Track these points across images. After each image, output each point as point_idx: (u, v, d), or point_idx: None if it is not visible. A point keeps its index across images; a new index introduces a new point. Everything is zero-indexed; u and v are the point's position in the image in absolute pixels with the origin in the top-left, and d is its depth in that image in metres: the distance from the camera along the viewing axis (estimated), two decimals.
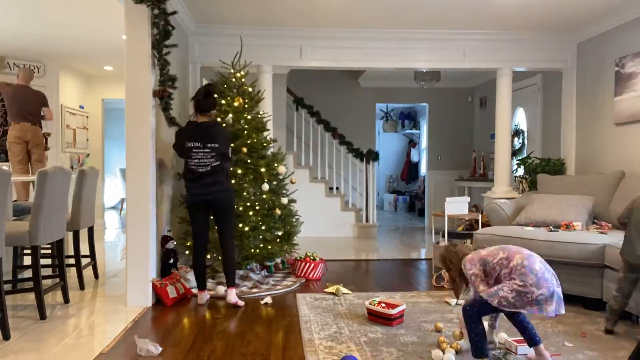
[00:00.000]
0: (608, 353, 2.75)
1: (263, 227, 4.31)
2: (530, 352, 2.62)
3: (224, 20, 5.02)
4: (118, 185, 10.83)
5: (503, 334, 2.88)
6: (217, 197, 3.66)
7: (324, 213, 7.05)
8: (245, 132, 4.40)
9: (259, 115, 4.60)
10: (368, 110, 8.65)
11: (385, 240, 6.90)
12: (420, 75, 7.21)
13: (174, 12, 3.81)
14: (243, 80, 4.60)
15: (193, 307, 3.66)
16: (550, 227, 4.04)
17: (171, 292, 3.72)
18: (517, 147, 6.88)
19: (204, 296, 3.75)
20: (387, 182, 11.95)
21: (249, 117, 4.46)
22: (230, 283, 3.72)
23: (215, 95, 3.82)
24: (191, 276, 4.05)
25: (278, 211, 4.43)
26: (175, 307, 3.64)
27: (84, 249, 4.39)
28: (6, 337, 2.94)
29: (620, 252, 3.07)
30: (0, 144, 6.47)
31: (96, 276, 4.53)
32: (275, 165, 4.52)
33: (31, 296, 3.73)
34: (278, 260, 4.76)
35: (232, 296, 3.68)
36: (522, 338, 2.82)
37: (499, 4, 4.52)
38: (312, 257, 4.57)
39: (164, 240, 3.99)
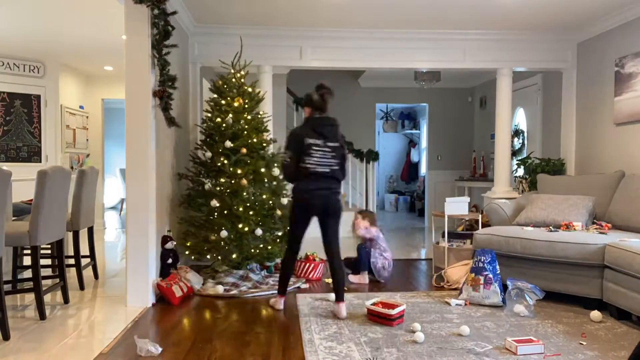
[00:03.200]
0: (608, 353, 2.75)
1: (263, 228, 4.31)
2: None
3: (224, 20, 5.02)
4: (119, 185, 10.83)
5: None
6: (331, 202, 3.40)
7: None
8: (245, 132, 4.40)
9: (259, 116, 4.60)
10: (368, 110, 8.65)
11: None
12: (420, 75, 7.21)
13: (174, 12, 3.81)
14: (243, 80, 4.60)
15: (193, 307, 3.66)
16: (550, 227, 4.04)
17: (177, 291, 3.74)
18: (517, 147, 6.88)
19: (281, 302, 3.59)
20: (387, 182, 11.94)
21: (249, 117, 4.46)
22: (342, 297, 3.42)
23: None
24: (191, 276, 4.05)
25: (278, 212, 4.43)
26: (176, 308, 3.64)
27: (84, 249, 4.39)
28: (6, 337, 2.94)
29: None
30: (0, 145, 6.48)
31: (96, 276, 4.53)
32: (275, 165, 4.52)
33: (31, 296, 3.73)
34: (278, 260, 4.75)
35: (344, 310, 3.38)
36: (522, 338, 2.83)
37: (499, 4, 4.52)
38: (313, 258, 4.58)
39: (164, 240, 3.99)
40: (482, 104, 8.24)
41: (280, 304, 3.60)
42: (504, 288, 3.69)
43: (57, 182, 3.48)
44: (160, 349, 2.74)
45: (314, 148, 3.35)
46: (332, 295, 3.73)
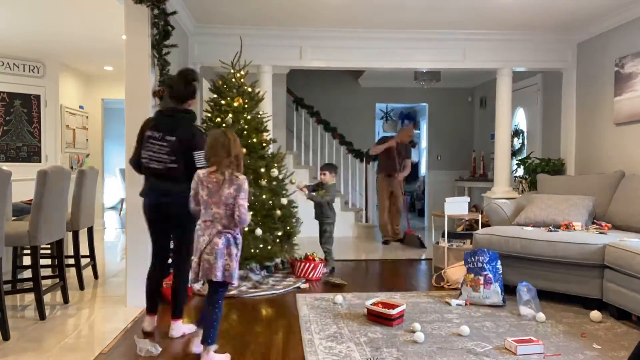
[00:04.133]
0: (608, 353, 2.75)
1: (263, 228, 4.31)
2: None
3: (223, 20, 5.01)
4: (119, 185, 10.82)
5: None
6: (165, 205, 3.00)
7: None
8: (245, 132, 4.40)
9: (259, 116, 4.60)
10: (368, 110, 8.65)
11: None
12: (420, 75, 7.21)
13: (174, 12, 3.81)
14: (243, 80, 4.60)
15: (193, 308, 3.66)
16: (550, 227, 4.04)
17: None
18: (517, 147, 6.88)
19: (151, 322, 3.13)
20: None
21: (248, 117, 4.46)
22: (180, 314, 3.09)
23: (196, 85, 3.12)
24: (193, 276, 4.05)
25: (278, 212, 4.43)
26: None
27: (84, 249, 4.39)
28: (6, 337, 2.94)
29: None
30: (0, 145, 6.47)
31: (96, 276, 4.53)
32: (275, 165, 4.52)
33: (31, 296, 3.73)
34: (278, 260, 4.75)
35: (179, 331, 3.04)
36: (521, 338, 2.83)
37: (499, 4, 4.52)
38: (312, 258, 4.58)
39: None
40: (482, 104, 8.24)
41: (149, 324, 3.08)
42: (505, 288, 3.69)
43: (57, 182, 3.48)
44: (160, 349, 2.74)
45: (151, 141, 2.92)
46: (332, 295, 3.73)
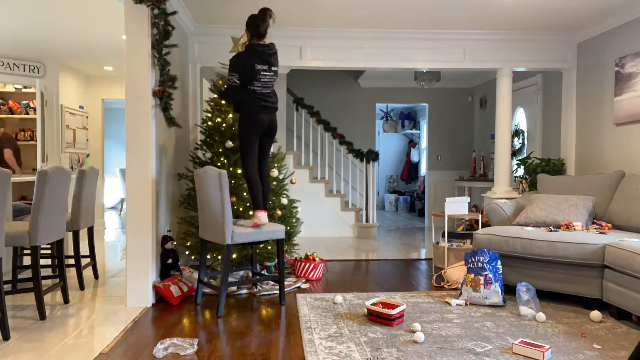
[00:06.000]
0: (608, 353, 2.75)
1: None
2: None
3: (224, 20, 5.02)
4: (119, 185, 10.83)
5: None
6: (274, 120, 3.78)
7: (324, 213, 7.05)
8: None
9: None
10: (368, 110, 8.65)
11: (385, 240, 6.90)
12: (420, 75, 7.21)
13: (174, 12, 3.81)
14: None
15: (193, 308, 3.66)
16: (550, 227, 4.04)
17: (175, 291, 3.74)
18: (517, 147, 6.88)
19: (263, 215, 3.69)
20: (387, 182, 11.95)
21: None
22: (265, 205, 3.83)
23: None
24: (197, 276, 4.07)
25: (279, 212, 4.43)
26: (176, 308, 3.65)
27: (84, 249, 4.39)
28: (6, 337, 2.94)
29: None
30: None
31: (96, 276, 4.53)
32: (275, 165, 4.52)
33: (31, 296, 3.73)
34: None
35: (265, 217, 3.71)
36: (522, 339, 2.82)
37: (499, 4, 4.52)
38: (313, 258, 4.58)
39: (164, 240, 3.99)
40: (482, 104, 8.25)
41: (262, 218, 3.65)
42: (505, 288, 3.69)
43: (57, 182, 3.48)
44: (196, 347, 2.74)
45: (262, 73, 3.65)
46: (332, 295, 3.73)
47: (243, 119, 3.69)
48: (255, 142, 3.72)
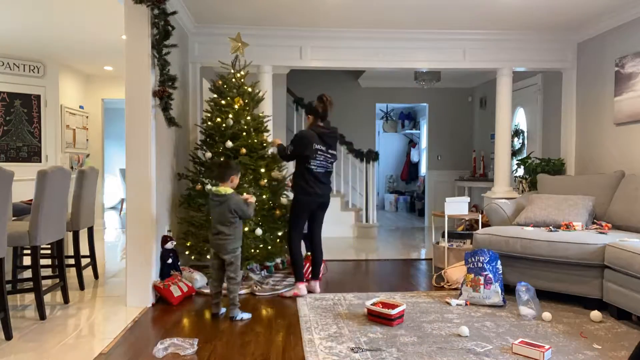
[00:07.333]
0: (608, 353, 2.75)
1: (263, 228, 4.31)
2: None
3: (224, 20, 5.01)
4: (119, 185, 10.83)
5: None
6: (328, 194, 4.05)
7: None
8: (245, 132, 4.40)
9: (259, 116, 4.60)
10: (368, 110, 8.65)
11: (385, 240, 6.90)
12: (420, 75, 7.21)
13: (174, 12, 3.81)
14: (243, 80, 4.60)
15: (194, 307, 3.66)
16: (550, 227, 4.04)
17: (175, 291, 3.74)
18: (517, 147, 6.88)
19: (303, 288, 3.98)
20: (387, 182, 11.95)
21: (248, 117, 4.46)
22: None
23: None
24: (197, 276, 4.07)
25: (278, 212, 4.43)
26: (176, 308, 3.65)
27: (84, 249, 4.39)
28: (8, 337, 2.94)
29: None
30: (0, 145, 6.47)
31: (96, 276, 4.53)
32: (275, 167, 4.52)
33: (31, 296, 3.73)
34: (278, 260, 4.76)
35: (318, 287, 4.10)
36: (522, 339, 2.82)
37: (499, 4, 4.52)
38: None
39: (164, 240, 3.99)
40: (482, 104, 8.24)
41: (303, 290, 3.96)
42: (505, 288, 3.69)
43: (57, 182, 3.48)
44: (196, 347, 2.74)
45: (320, 152, 3.94)
46: (332, 295, 3.72)
47: (296, 196, 3.98)
48: (305, 218, 4.02)
